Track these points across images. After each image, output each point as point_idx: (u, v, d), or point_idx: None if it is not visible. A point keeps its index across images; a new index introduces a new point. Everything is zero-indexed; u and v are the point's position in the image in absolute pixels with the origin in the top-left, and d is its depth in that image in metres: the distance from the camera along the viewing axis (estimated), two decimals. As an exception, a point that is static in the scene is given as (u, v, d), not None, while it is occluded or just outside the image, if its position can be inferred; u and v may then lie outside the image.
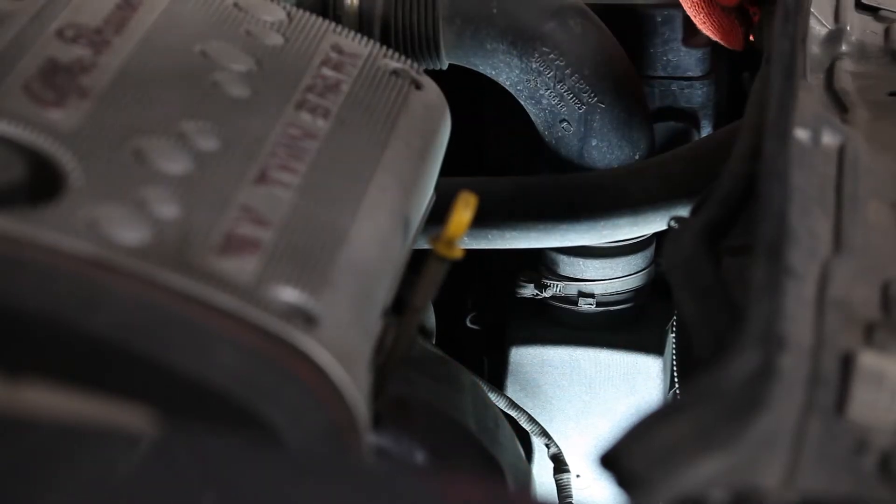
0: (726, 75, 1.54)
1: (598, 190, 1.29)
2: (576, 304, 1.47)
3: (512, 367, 1.49)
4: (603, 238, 1.31)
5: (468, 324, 1.56)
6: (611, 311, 1.48)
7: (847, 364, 0.77)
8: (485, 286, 1.57)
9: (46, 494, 0.68)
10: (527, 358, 1.48)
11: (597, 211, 1.28)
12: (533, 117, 1.38)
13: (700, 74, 1.49)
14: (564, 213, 1.28)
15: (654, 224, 1.29)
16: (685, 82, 1.48)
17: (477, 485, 0.78)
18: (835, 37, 1.11)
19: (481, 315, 1.56)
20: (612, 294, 1.46)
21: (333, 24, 1.10)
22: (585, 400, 1.48)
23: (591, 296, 1.46)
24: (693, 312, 0.87)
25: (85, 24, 0.99)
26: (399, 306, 0.97)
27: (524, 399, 1.49)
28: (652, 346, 1.47)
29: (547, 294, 1.46)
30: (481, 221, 1.25)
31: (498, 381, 1.50)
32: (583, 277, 1.45)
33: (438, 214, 0.98)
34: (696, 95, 1.49)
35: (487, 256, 1.41)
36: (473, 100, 1.57)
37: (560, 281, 1.45)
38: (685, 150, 1.29)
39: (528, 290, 1.46)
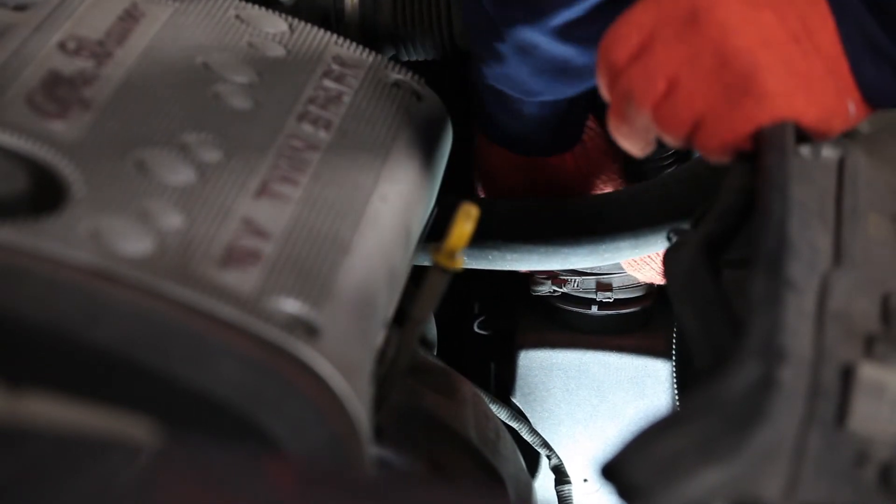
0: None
1: (599, 213, 1.29)
2: (591, 301, 1.46)
3: (521, 371, 1.49)
4: (604, 260, 1.31)
5: (476, 329, 1.56)
6: (620, 314, 1.48)
7: (847, 376, 0.77)
8: (492, 291, 1.56)
9: (48, 505, 0.68)
10: (535, 362, 1.48)
11: (598, 234, 1.27)
12: None
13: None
14: (566, 237, 1.28)
15: (655, 245, 1.28)
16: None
17: (478, 496, 0.79)
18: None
19: (489, 320, 1.56)
20: (628, 287, 1.46)
21: (335, 36, 1.10)
22: (594, 404, 1.48)
23: (609, 288, 1.46)
24: (693, 325, 0.87)
25: (87, 36, 0.99)
26: (401, 318, 0.97)
27: (532, 403, 1.49)
28: (660, 350, 1.47)
29: (565, 289, 1.46)
30: (482, 243, 1.25)
31: (505, 385, 1.50)
32: (600, 271, 1.45)
33: (440, 228, 0.98)
34: None
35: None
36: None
37: (577, 276, 1.45)
38: (684, 171, 1.29)
39: (546, 287, 1.46)
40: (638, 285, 1.47)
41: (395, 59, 1.37)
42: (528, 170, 1.32)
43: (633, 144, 1.01)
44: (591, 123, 1.34)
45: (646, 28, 0.96)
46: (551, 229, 1.28)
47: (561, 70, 1.19)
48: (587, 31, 1.16)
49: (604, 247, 1.27)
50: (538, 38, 1.17)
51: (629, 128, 0.99)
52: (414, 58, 1.36)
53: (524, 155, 1.31)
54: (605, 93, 1.00)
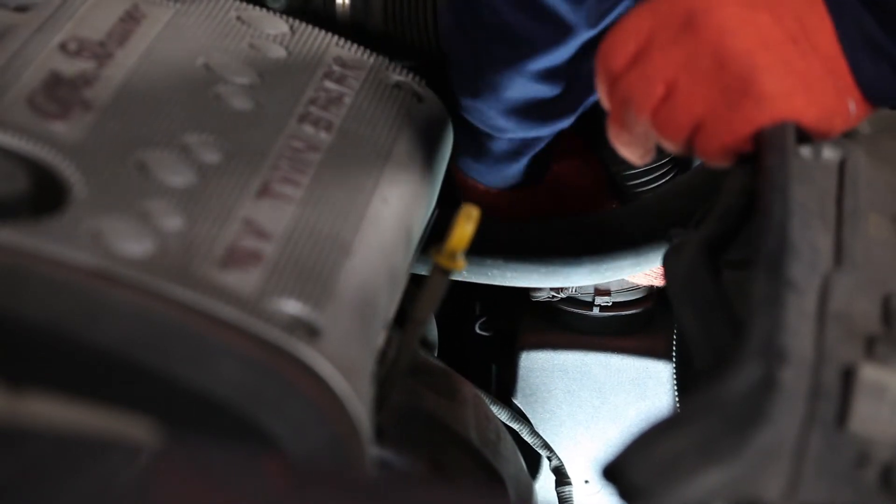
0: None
1: (600, 232, 1.29)
2: (591, 303, 1.46)
3: (522, 373, 1.49)
4: (605, 278, 1.31)
5: (477, 330, 1.56)
6: (621, 315, 1.48)
7: (848, 377, 0.77)
8: (494, 292, 1.56)
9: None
10: (537, 363, 1.48)
11: (599, 253, 1.27)
12: None
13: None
14: (567, 256, 1.28)
15: (656, 261, 1.28)
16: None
17: (478, 497, 0.79)
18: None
19: (490, 321, 1.56)
20: (627, 290, 1.46)
21: (336, 37, 1.10)
22: (595, 405, 1.48)
23: (608, 292, 1.46)
24: (694, 326, 0.87)
25: (88, 37, 0.99)
26: (402, 318, 0.97)
27: (534, 404, 1.49)
28: (662, 351, 1.47)
29: (563, 294, 1.46)
30: (483, 260, 1.25)
31: (506, 386, 1.50)
32: None
33: (441, 230, 0.98)
34: None
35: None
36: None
37: None
38: (683, 184, 1.29)
39: (544, 293, 1.46)
40: (636, 288, 1.46)
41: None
42: (503, 200, 1.32)
43: (633, 152, 1.01)
44: (563, 157, 1.34)
45: (643, 33, 0.96)
46: (552, 248, 1.27)
47: (531, 108, 1.20)
48: (562, 76, 1.17)
49: (605, 265, 1.27)
50: (514, 78, 1.17)
51: (629, 135, 0.99)
52: (405, 63, 1.36)
53: (494, 188, 1.31)
54: (604, 100, 1.00)
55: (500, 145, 1.24)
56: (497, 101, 1.19)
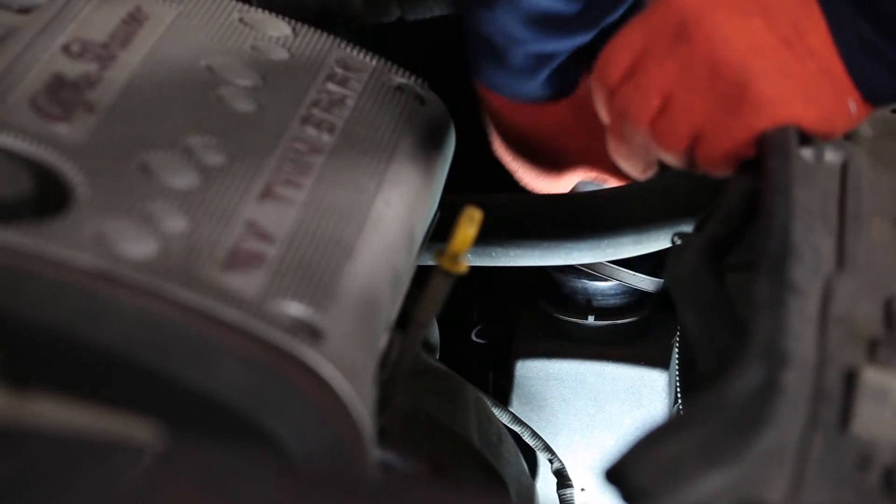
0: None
1: (601, 208, 1.29)
2: (586, 310, 1.46)
3: (517, 381, 1.48)
4: (606, 256, 1.31)
5: (473, 337, 1.56)
6: (616, 324, 1.48)
7: (850, 380, 0.77)
8: (490, 300, 1.57)
9: (51, 506, 0.68)
10: (532, 371, 1.48)
11: (600, 229, 1.27)
12: None
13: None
14: (568, 232, 1.28)
15: (658, 241, 1.28)
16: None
17: (480, 499, 0.79)
18: (838, 54, 1.12)
19: (487, 328, 1.56)
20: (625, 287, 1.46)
21: (338, 40, 1.10)
22: (591, 413, 1.48)
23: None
24: (697, 328, 0.87)
25: (91, 38, 0.99)
26: (404, 321, 0.97)
27: (529, 412, 1.48)
28: (657, 360, 1.46)
29: None
30: (485, 239, 1.25)
31: (503, 394, 1.50)
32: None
33: (443, 231, 0.98)
34: None
35: (493, 270, 1.40)
36: (476, 115, 1.57)
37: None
38: None
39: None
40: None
41: (401, 20, 1.37)
42: (526, 114, 1.31)
43: (634, 166, 1.01)
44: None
45: (637, 46, 0.96)
46: (554, 225, 1.28)
47: (547, 20, 1.19)
48: None
49: (606, 242, 1.27)
50: None
51: (628, 148, 0.99)
52: (420, 16, 1.36)
53: (515, 100, 1.30)
54: (602, 114, 1.00)
55: (517, 59, 1.23)
56: (514, 9, 1.18)
